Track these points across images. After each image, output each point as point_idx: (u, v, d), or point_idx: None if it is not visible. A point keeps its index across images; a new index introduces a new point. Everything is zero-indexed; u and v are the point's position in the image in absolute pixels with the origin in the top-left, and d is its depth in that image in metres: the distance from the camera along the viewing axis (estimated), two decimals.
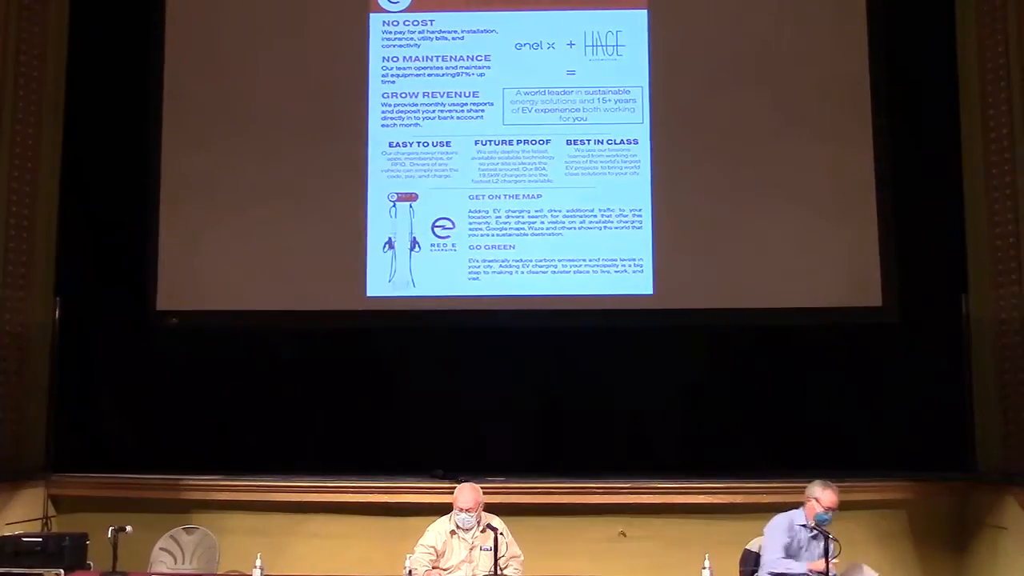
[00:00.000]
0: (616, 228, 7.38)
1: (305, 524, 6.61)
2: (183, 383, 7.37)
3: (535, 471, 6.74)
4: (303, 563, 6.30)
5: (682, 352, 7.21)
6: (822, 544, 5.35)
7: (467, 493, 5.55)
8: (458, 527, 5.53)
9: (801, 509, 5.55)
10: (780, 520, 5.54)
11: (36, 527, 6.65)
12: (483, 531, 5.48)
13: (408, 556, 5.25)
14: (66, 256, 7.25)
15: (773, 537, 5.47)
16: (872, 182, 7.19)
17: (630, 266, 7.36)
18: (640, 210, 7.38)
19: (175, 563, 6.13)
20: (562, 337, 7.27)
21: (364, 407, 7.21)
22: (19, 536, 6.15)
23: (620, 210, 7.40)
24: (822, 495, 5.53)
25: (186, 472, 6.81)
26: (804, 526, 5.49)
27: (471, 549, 5.48)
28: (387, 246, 7.46)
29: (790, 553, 5.47)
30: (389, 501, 6.58)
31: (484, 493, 5.63)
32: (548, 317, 7.32)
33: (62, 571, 5.84)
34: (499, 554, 5.26)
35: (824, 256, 7.18)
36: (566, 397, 7.14)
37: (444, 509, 5.66)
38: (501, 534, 5.39)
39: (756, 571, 5.81)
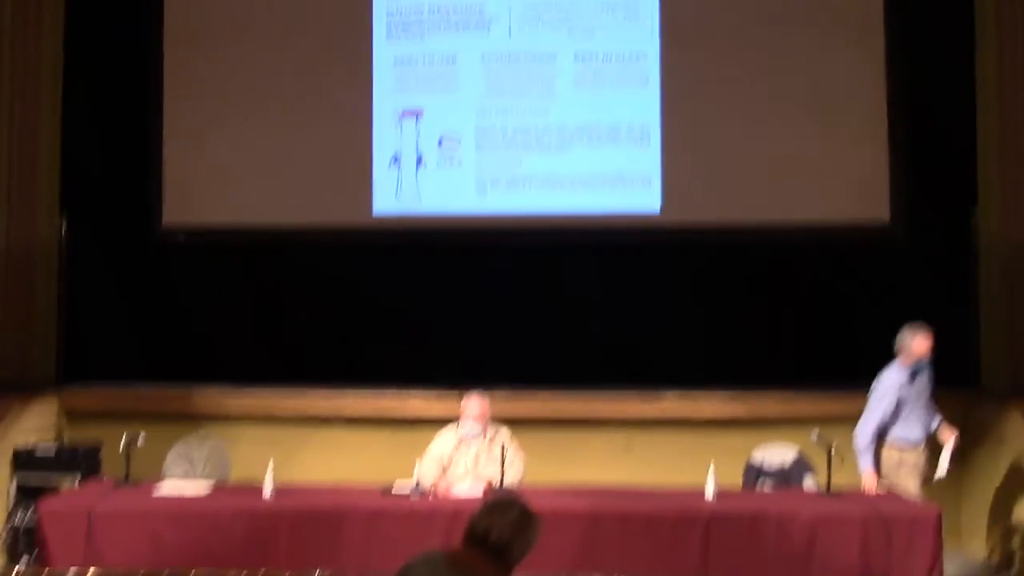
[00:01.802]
0: (624, 144, 7.31)
1: (315, 434, 6.70)
2: (191, 297, 7.41)
3: (542, 383, 6.79)
4: (313, 472, 6.37)
5: (690, 268, 7.21)
6: (925, 383, 5.42)
7: (475, 403, 5.60)
8: (465, 436, 5.59)
9: (898, 362, 5.50)
10: (889, 383, 5.42)
11: (50, 439, 6.73)
12: (489, 440, 5.55)
13: (416, 464, 5.33)
14: (71, 171, 7.21)
15: (882, 399, 5.40)
16: (884, 95, 7.10)
17: (638, 182, 7.31)
18: (648, 126, 7.31)
19: (188, 471, 6.22)
20: (569, 253, 7.26)
21: (373, 320, 7.24)
22: (34, 446, 6.27)
23: (628, 126, 7.33)
24: (911, 343, 5.39)
25: (197, 382, 6.87)
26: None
27: (477, 458, 5.55)
28: (393, 162, 7.41)
29: (901, 410, 5.40)
30: (397, 412, 6.65)
31: (492, 403, 5.68)
32: (555, 234, 7.31)
33: (77, 478, 5.97)
34: (505, 462, 5.32)
35: (833, 170, 7.11)
36: (573, 312, 7.15)
37: (452, 419, 5.72)
38: (506, 445, 5.45)
39: (758, 480, 5.91)
